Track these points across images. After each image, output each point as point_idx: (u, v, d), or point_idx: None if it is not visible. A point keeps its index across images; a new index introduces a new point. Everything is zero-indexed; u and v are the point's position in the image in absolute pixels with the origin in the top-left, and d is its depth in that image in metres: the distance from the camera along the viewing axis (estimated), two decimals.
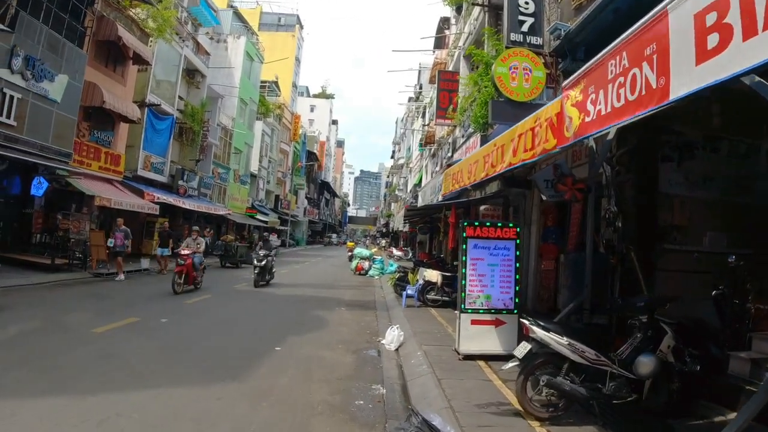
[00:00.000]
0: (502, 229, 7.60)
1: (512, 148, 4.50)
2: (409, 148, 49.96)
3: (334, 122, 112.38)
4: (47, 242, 17.64)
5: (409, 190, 43.34)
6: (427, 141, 25.08)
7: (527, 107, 8.46)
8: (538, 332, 4.82)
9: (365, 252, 25.63)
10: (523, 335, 5.32)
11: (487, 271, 7.51)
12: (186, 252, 14.28)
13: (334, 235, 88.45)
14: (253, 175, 42.73)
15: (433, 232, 31.38)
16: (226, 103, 35.66)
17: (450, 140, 19.10)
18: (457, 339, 7.58)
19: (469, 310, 7.43)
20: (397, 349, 8.18)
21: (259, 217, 41.60)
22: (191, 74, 29.79)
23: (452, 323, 10.15)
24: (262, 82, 49.17)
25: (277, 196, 53.31)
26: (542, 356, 4.97)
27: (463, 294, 7.42)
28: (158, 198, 22.38)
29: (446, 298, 12.82)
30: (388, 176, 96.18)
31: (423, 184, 25.24)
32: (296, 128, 58.59)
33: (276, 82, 55.98)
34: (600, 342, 5.17)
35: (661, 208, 8.60)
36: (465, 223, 7.44)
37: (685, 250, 8.50)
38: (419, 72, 40.22)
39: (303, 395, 5.68)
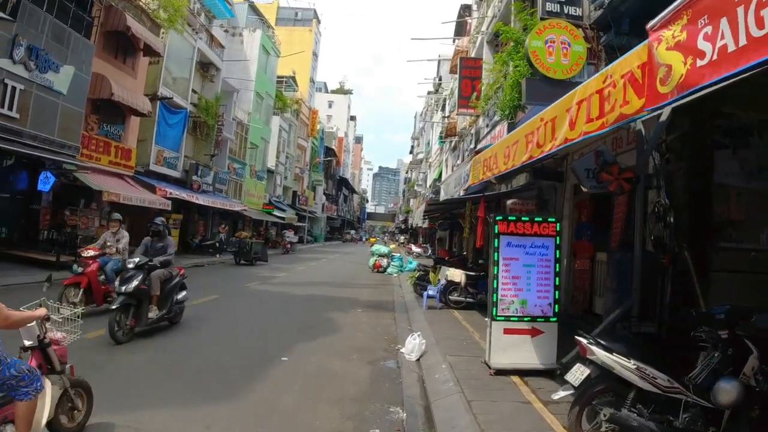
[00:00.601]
0: (540, 225, 6.61)
1: (569, 119, 3.54)
2: (428, 143, 48.90)
3: (353, 118, 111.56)
4: (55, 239, 17.08)
5: (428, 185, 42.31)
6: (448, 133, 24.05)
7: (566, 86, 7.44)
8: (600, 354, 3.86)
9: (383, 249, 24.73)
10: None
11: (523, 273, 6.54)
12: (90, 253, 9.10)
13: (353, 231, 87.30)
14: (270, 171, 42.10)
15: (454, 229, 30.34)
16: (242, 98, 34.99)
17: (473, 131, 18.07)
18: (487, 350, 6.62)
19: (502, 318, 6.48)
20: (418, 360, 7.26)
21: (276, 213, 40.96)
22: (205, 67, 29.15)
23: (479, 328, 9.21)
24: (279, 77, 48.54)
25: (294, 192, 52.69)
26: (602, 383, 4.00)
27: (495, 298, 6.46)
28: (170, 193, 21.75)
29: (470, 300, 11.85)
30: (406, 172, 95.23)
31: (444, 178, 24.25)
32: (314, 123, 57.86)
33: (293, 77, 55.37)
34: (664, 359, 4.19)
35: (716, 200, 7.60)
36: (497, 218, 6.47)
37: (742, 248, 7.49)
38: (438, 63, 39.12)
39: (308, 421, 4.79)
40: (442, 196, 10.92)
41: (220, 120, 28.32)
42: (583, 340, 4.03)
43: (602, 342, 3.93)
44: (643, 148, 6.69)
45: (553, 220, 6.76)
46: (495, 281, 6.45)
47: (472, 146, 17.69)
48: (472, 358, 7.09)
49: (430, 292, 11.90)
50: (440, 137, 31.55)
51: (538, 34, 7.49)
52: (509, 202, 12.35)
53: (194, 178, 25.64)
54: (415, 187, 56.80)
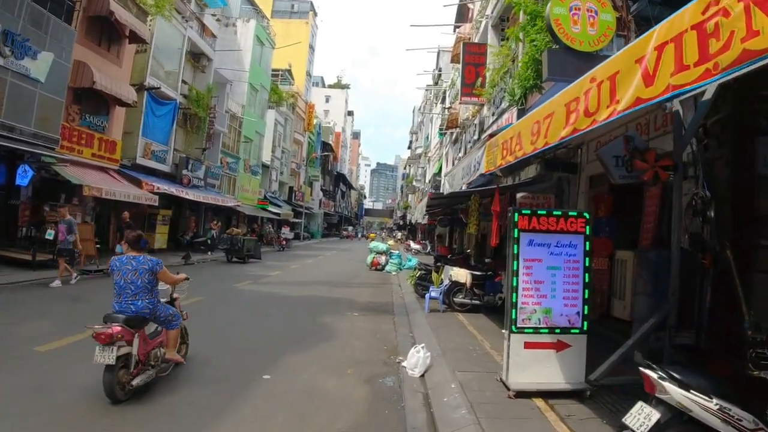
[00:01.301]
0: (567, 220, 5.63)
1: (642, 72, 2.56)
2: (428, 137, 47.87)
3: (350, 113, 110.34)
4: (34, 236, 16.05)
5: (427, 180, 41.32)
6: (449, 125, 23.05)
7: (593, 60, 6.46)
8: (675, 393, 2.90)
9: (382, 246, 23.75)
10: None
11: (547, 277, 5.57)
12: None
13: (350, 228, 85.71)
14: (265, 166, 41.05)
15: (454, 225, 29.39)
16: (236, 90, 33.96)
17: (476, 121, 17.08)
18: (504, 367, 5.66)
19: (522, 330, 5.51)
20: (422, 375, 6.29)
21: (271, 209, 39.94)
22: (197, 58, 28.08)
23: (488, 336, 8.27)
24: (274, 70, 47.46)
25: (291, 188, 51.66)
26: (673, 427, 3.03)
27: (513, 308, 5.49)
28: (158, 188, 20.73)
29: (476, 302, 10.90)
30: (405, 167, 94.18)
31: (446, 171, 23.28)
32: (310, 118, 56.79)
33: (289, 71, 54.25)
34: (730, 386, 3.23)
35: (759, 193, 6.68)
36: (517, 212, 5.49)
37: None
38: (438, 54, 38.10)
39: None
40: (446, 189, 9.92)
41: (211, 112, 27.27)
42: (652, 374, 3.07)
43: (677, 376, 2.96)
44: (681, 132, 5.72)
45: (581, 214, 5.76)
46: (514, 287, 5.48)
47: (475, 137, 16.69)
48: (485, 374, 6.12)
49: (433, 294, 10.94)
50: (440, 130, 30.54)
51: (561, 0, 6.49)
52: (519, 195, 11.39)
53: (184, 172, 24.60)
54: (414, 183, 55.79)
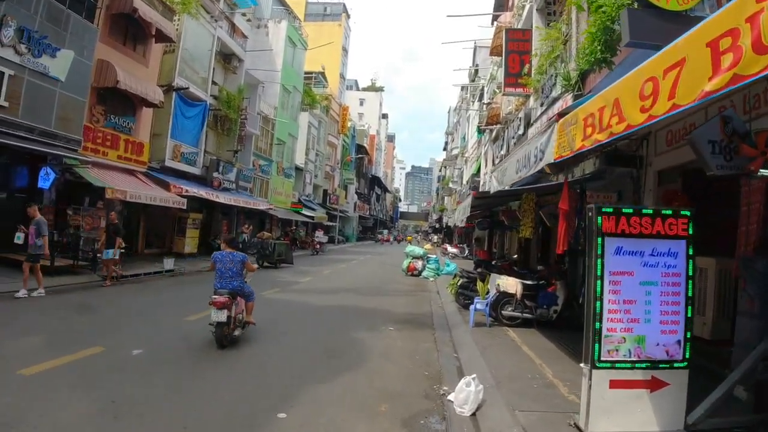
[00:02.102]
0: (664, 221, 4.33)
1: None
2: (464, 137, 46.41)
3: (384, 116, 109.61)
4: (57, 241, 15.48)
5: (465, 181, 39.89)
6: (489, 122, 21.68)
7: (683, 21, 5.13)
8: None
9: (418, 250, 22.53)
10: None
11: (639, 295, 4.29)
12: None
13: (385, 231, 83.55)
14: (298, 169, 40.37)
15: (494, 228, 27.93)
16: (268, 91, 33.35)
17: (520, 115, 15.71)
18: (583, 411, 4.39)
19: (608, 365, 4.23)
20: (474, 414, 5.07)
21: (305, 212, 39.22)
22: (227, 59, 27.49)
23: (548, 359, 7.01)
24: (307, 72, 46.91)
25: (325, 191, 50.97)
26: None
27: (595, 337, 4.22)
28: (186, 191, 20.04)
29: (528, 315, 9.59)
30: (440, 170, 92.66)
31: (489, 169, 21.91)
32: (344, 120, 56.04)
33: (322, 73, 53.72)
34: None
35: None
36: (600, 211, 4.23)
37: None
38: (474, 50, 36.68)
39: None
40: (494, 187, 8.65)
41: (243, 114, 26.62)
42: None
43: None
44: None
45: (684, 213, 4.45)
46: (597, 308, 4.21)
47: (520, 132, 15.32)
48: (553, 415, 4.86)
49: (478, 306, 9.67)
50: (478, 128, 29.14)
51: None
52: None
53: (215, 175, 23.95)
54: (450, 185, 54.30)
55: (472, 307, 9.70)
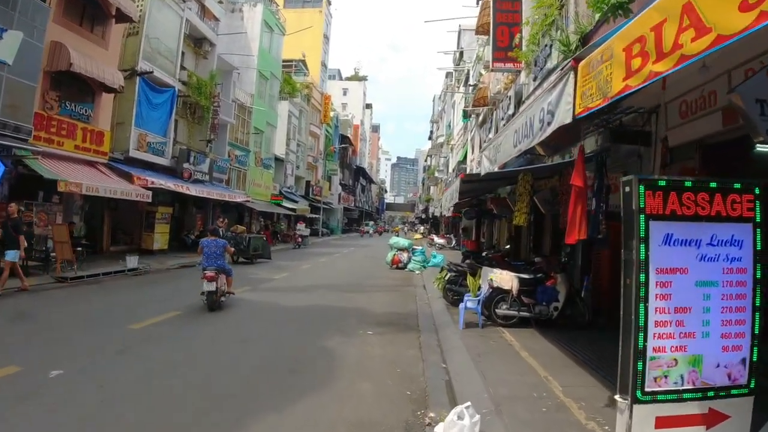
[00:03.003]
0: (726, 197, 3.17)
1: None
2: (449, 125, 45.26)
3: (368, 106, 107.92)
4: (2, 239, 14.05)
5: (451, 170, 38.72)
6: (476, 103, 20.49)
7: None
8: None
9: (403, 242, 21.34)
10: None
11: (696, 300, 3.13)
12: None
13: (371, 222, 79.84)
14: (279, 160, 38.92)
15: (482, 217, 26.84)
16: (244, 78, 31.90)
17: (510, 93, 14.55)
18: None
19: (655, 397, 3.07)
20: None
21: (286, 204, 37.83)
22: (198, 43, 25.98)
23: (553, 367, 5.91)
24: (287, 60, 45.35)
25: (308, 183, 49.54)
26: None
27: (638, 357, 3.05)
28: (152, 183, 18.63)
29: (525, 314, 8.46)
30: (425, 159, 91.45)
31: (478, 153, 20.73)
32: (327, 109, 54.52)
33: (303, 61, 52.11)
34: None
35: None
36: (644, 183, 3.05)
37: None
38: (459, 34, 35.39)
39: None
40: (485, 168, 7.45)
41: (215, 101, 25.14)
42: None
43: None
44: None
45: (750, 187, 3.29)
46: (639, 321, 3.03)
47: (510, 112, 14.16)
48: None
49: (469, 304, 8.49)
50: (464, 114, 27.97)
51: None
52: None
53: (185, 165, 22.52)
54: (436, 174, 53.16)
55: (461, 305, 8.53)
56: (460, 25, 34.38)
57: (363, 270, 19.55)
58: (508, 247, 12.60)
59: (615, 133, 9.01)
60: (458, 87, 36.53)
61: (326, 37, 64.03)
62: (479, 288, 8.69)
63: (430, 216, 62.34)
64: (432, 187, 62.09)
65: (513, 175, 9.39)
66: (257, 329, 8.24)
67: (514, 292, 8.38)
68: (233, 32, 29.06)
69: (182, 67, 23.52)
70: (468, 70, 29.17)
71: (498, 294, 8.51)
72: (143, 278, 14.97)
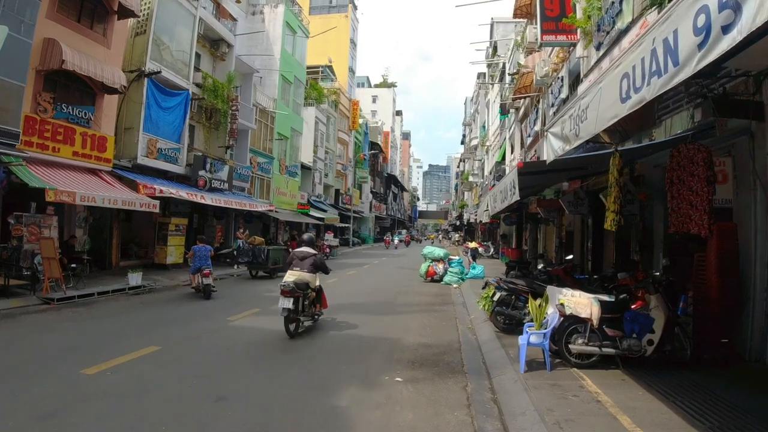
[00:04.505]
0: None
1: None
2: (484, 126, 42.86)
3: (398, 113, 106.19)
4: None
5: (488, 172, 36.28)
6: (517, 94, 18.20)
7: None
8: None
9: (438, 251, 19.13)
10: None
11: None
12: None
13: (403, 231, 74.63)
14: (306, 167, 37.25)
15: (524, 222, 24.53)
16: (266, 82, 30.40)
17: (562, 74, 12.29)
18: None
19: None
20: None
21: (314, 213, 36.06)
22: (215, 44, 24.49)
23: None
24: (314, 66, 44.01)
25: (337, 191, 47.84)
26: None
27: None
28: (161, 191, 16.97)
29: (609, 350, 6.20)
30: (458, 165, 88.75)
31: (519, 152, 18.44)
32: (355, 115, 52.83)
33: (330, 66, 50.72)
34: None
35: None
36: None
37: None
38: (491, 27, 33.11)
39: None
40: (553, 152, 5.26)
41: (233, 104, 23.52)
42: None
43: None
44: None
45: None
46: None
47: (563, 96, 11.90)
48: None
49: (533, 339, 6.27)
50: (501, 109, 25.65)
51: None
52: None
53: (201, 173, 20.88)
54: (470, 178, 50.69)
55: (522, 339, 6.31)
56: (492, 18, 32.12)
57: (394, 284, 17.44)
58: (571, 257, 10.24)
59: (719, 104, 6.75)
60: (492, 84, 34.19)
61: (353, 43, 62.60)
62: (545, 315, 6.46)
63: (465, 223, 59.83)
64: (466, 193, 59.51)
65: (586, 164, 7.19)
66: (246, 378, 6.16)
67: (595, 321, 6.13)
68: (251, 32, 27.50)
69: (196, 68, 22.00)
70: (503, 63, 26.86)
71: (571, 324, 6.28)
72: (143, 298, 13.22)
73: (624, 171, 9.83)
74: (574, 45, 11.04)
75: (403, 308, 12.10)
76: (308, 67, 40.31)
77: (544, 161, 5.99)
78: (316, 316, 9.24)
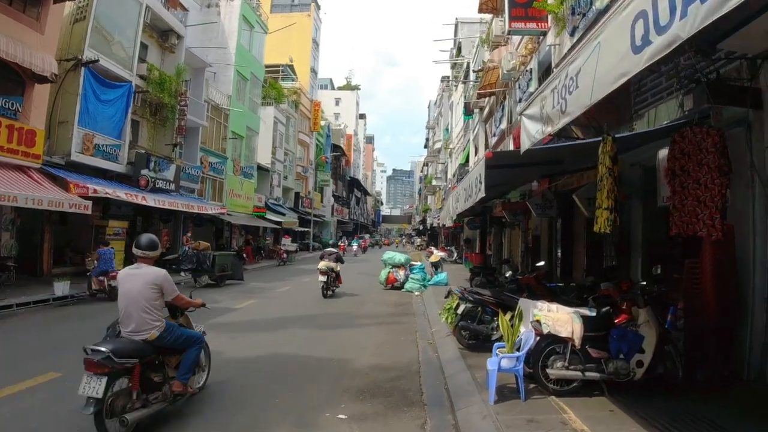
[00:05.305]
0: None
1: None
2: (447, 129, 42.23)
3: (362, 116, 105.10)
4: None
5: (452, 174, 35.55)
6: (482, 92, 17.37)
7: None
8: None
9: (399, 257, 18.07)
10: None
11: None
12: None
13: (367, 236, 73.07)
14: (264, 169, 35.75)
15: (488, 226, 23.77)
16: (221, 78, 28.89)
17: (531, 66, 11.47)
18: None
19: None
20: None
21: (271, 217, 34.57)
22: (164, 35, 22.89)
23: None
24: (273, 65, 42.67)
25: (297, 194, 46.37)
26: None
27: None
28: (93, 191, 15.41)
29: (594, 375, 5.25)
30: (421, 170, 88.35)
31: (481, 153, 17.65)
32: (317, 117, 51.48)
33: (291, 66, 49.27)
34: None
35: None
36: None
37: None
38: (456, 27, 32.46)
39: None
40: (531, 137, 4.27)
41: (182, 99, 21.98)
42: None
43: None
44: None
45: None
46: None
47: (531, 89, 11.05)
48: None
49: (504, 363, 5.24)
50: (465, 110, 24.91)
51: None
52: (662, 154, 5.74)
53: (143, 172, 19.28)
54: (433, 182, 50.02)
55: (492, 363, 5.28)
56: (456, 18, 31.46)
57: (352, 292, 16.32)
58: (542, 264, 9.32)
59: (714, 89, 5.92)
60: (456, 86, 33.52)
61: (315, 43, 61.28)
62: (519, 335, 5.47)
63: (428, 227, 59.25)
64: (429, 197, 58.91)
65: (563, 156, 6.23)
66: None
67: (577, 341, 5.17)
68: (203, 22, 25.99)
69: (142, 60, 20.42)
70: (468, 63, 26.17)
71: (549, 344, 5.31)
72: (68, 310, 11.75)
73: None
74: (545, 34, 10.22)
75: (360, 320, 10.99)
76: (268, 66, 38.94)
77: (517, 151, 5.01)
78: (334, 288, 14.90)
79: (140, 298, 4.52)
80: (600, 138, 4.83)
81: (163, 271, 4.81)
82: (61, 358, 6.96)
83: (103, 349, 4.06)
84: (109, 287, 12.66)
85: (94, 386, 3.94)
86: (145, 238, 4.90)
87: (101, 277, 12.95)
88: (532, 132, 4.44)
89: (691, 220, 3.98)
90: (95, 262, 13.27)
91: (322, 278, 14.15)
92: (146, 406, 4.36)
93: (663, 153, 5.57)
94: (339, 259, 15.11)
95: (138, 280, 4.59)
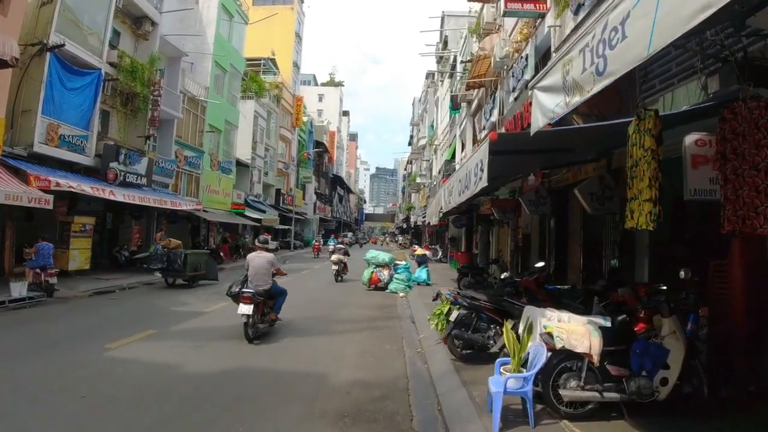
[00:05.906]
0: None
1: None
2: (432, 125, 41.48)
3: (345, 113, 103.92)
4: None
5: (437, 171, 34.79)
6: (471, 84, 16.61)
7: None
8: None
9: (383, 256, 17.23)
10: None
11: None
12: None
13: (349, 234, 71.69)
14: (243, 164, 34.65)
15: (476, 224, 23.11)
16: (198, 69, 27.77)
17: (526, 53, 10.70)
18: None
19: None
20: None
21: (251, 214, 33.50)
22: (137, 22, 21.73)
23: None
24: (255, 58, 41.50)
25: (278, 191, 45.18)
26: None
27: None
28: (56, 184, 14.31)
29: (612, 394, 4.49)
30: (405, 168, 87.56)
31: (460, 157, 16.87)
32: (299, 112, 50.33)
33: (272, 59, 48.02)
34: None
35: None
36: None
37: None
38: (442, 20, 31.69)
39: None
40: (544, 114, 3.45)
41: (155, 89, 20.86)
42: None
43: None
44: None
45: None
46: None
47: (526, 77, 10.29)
48: None
49: (511, 385, 4.45)
50: (451, 104, 24.15)
51: None
52: (689, 140, 4.98)
53: (112, 165, 18.15)
54: (417, 179, 49.26)
55: (495, 384, 4.48)
56: (443, 12, 30.70)
57: (334, 293, 15.48)
58: (542, 265, 8.52)
59: (743, 68, 5.19)
60: (443, 77, 32.75)
61: (299, 37, 60.01)
62: (527, 350, 4.68)
63: (412, 226, 58.54)
64: (413, 195, 58.15)
65: (577, 143, 5.42)
66: None
67: (595, 357, 4.41)
68: (180, 9, 24.82)
69: (113, 47, 19.29)
70: (454, 56, 25.42)
71: (562, 360, 4.53)
72: (24, 314, 10.71)
73: (601, 163, 8.32)
74: (543, 16, 9.47)
75: (340, 326, 10.16)
76: (249, 59, 37.83)
77: (527, 132, 4.21)
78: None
79: (262, 269, 8.36)
80: (629, 119, 4.04)
81: (272, 255, 8.78)
82: (22, 366, 6.01)
83: (251, 290, 7.94)
84: (46, 283, 12.39)
85: (247, 309, 7.80)
86: (262, 237, 9.45)
87: (38, 270, 12.44)
88: (550, 106, 3.64)
89: (749, 215, 3.23)
90: (33, 255, 12.66)
91: (335, 267, 18.47)
92: (263, 323, 8.33)
93: (690, 139, 4.82)
94: (346, 253, 19.50)
95: (262, 260, 8.43)
